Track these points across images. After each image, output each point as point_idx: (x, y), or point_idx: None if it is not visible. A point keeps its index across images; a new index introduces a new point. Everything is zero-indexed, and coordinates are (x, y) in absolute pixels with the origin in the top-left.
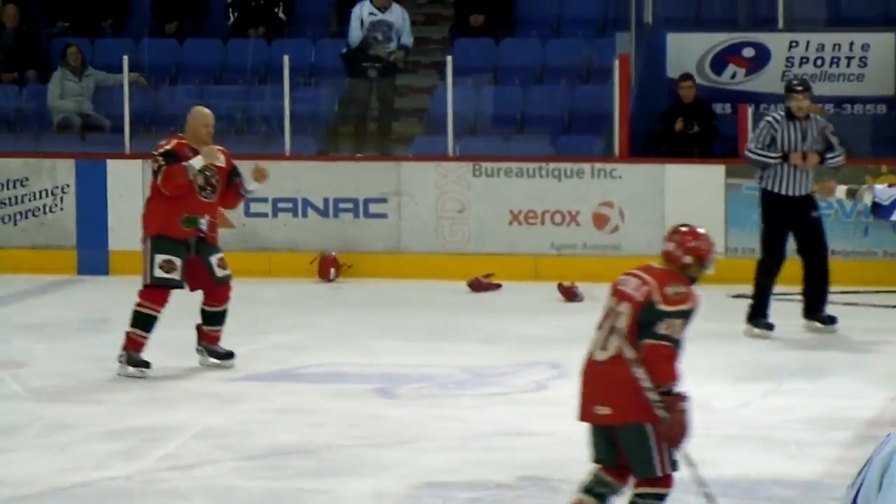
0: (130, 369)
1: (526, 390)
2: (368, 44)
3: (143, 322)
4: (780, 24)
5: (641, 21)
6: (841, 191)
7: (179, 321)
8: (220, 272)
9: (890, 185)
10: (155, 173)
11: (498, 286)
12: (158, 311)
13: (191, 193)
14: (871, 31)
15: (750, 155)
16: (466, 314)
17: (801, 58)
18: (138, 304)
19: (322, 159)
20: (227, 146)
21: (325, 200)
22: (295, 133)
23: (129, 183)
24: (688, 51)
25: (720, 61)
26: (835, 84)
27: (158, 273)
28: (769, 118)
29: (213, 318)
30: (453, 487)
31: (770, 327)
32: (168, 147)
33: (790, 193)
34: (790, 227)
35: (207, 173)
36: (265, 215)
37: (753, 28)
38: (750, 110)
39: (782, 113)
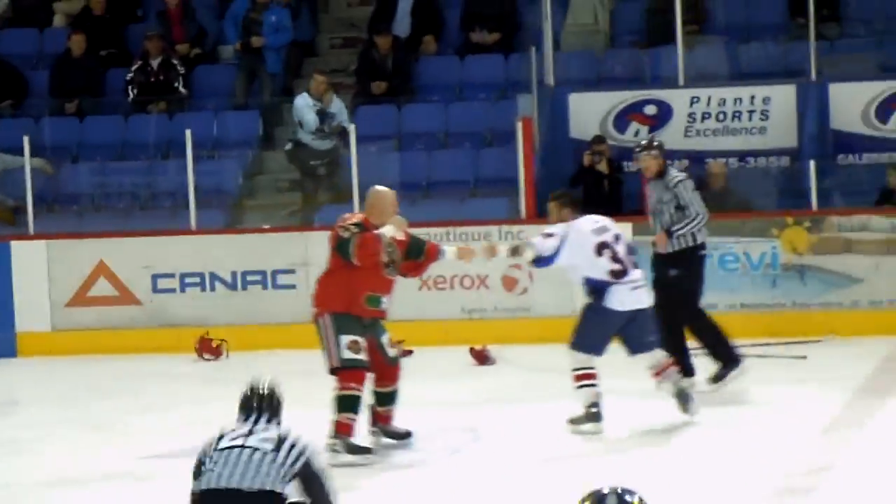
0: (350, 457)
1: (441, 456)
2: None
3: (350, 405)
4: (681, 80)
5: (543, 83)
6: (504, 249)
7: None
8: (391, 352)
9: (547, 236)
10: (340, 246)
11: (410, 352)
12: (361, 391)
13: (376, 269)
14: (771, 83)
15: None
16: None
17: (703, 113)
18: (339, 388)
19: (228, 232)
20: (132, 223)
21: (233, 273)
22: (200, 207)
23: (33, 264)
24: (590, 110)
25: (623, 120)
26: (738, 138)
27: (347, 354)
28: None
29: (387, 399)
30: None
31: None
32: (355, 220)
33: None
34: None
35: (389, 249)
36: (173, 291)
37: (655, 85)
38: None
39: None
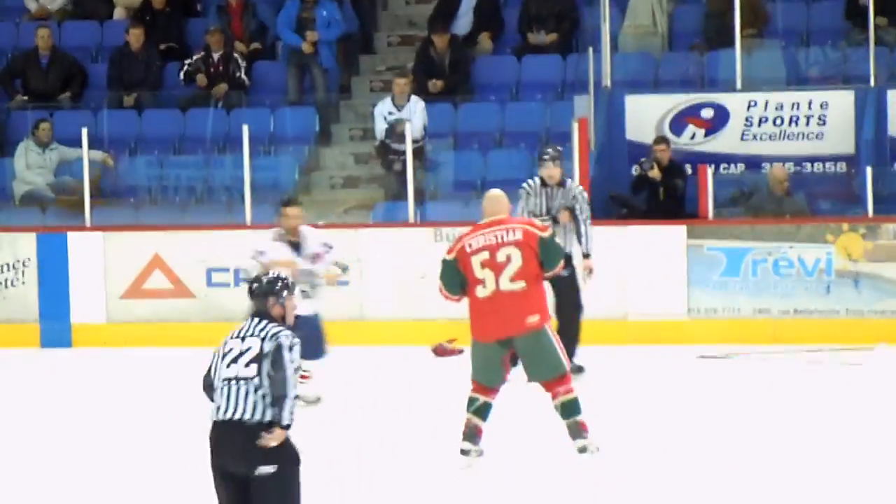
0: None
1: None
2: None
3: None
4: (739, 84)
5: (600, 84)
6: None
7: None
8: None
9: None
10: (554, 255)
11: (461, 351)
12: None
13: None
14: (829, 89)
15: None
16: (431, 379)
17: (760, 117)
18: (570, 392)
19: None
20: (189, 216)
21: None
22: (256, 202)
23: (89, 255)
24: (647, 113)
25: (679, 122)
26: (794, 143)
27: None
28: (524, 184)
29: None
30: None
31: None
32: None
33: None
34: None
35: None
36: (227, 285)
37: (712, 89)
38: (710, 171)
39: (538, 179)
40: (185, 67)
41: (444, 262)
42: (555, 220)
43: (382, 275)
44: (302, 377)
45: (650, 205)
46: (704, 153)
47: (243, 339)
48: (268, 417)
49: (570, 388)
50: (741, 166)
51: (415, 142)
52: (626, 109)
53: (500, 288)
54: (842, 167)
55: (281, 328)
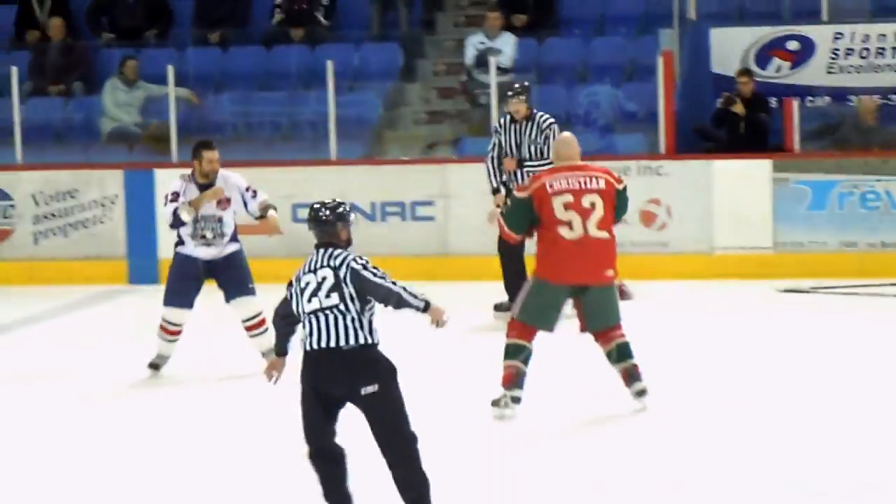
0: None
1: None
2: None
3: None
4: (825, 16)
5: (685, 17)
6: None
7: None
8: None
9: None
10: (624, 202)
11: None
12: None
13: None
14: None
15: (486, 164)
16: None
17: (847, 49)
18: (625, 336)
19: (368, 163)
20: (274, 153)
21: (372, 204)
22: (341, 138)
23: None
24: (732, 46)
25: (764, 55)
26: (881, 75)
27: None
28: (496, 123)
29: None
30: None
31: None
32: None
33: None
34: None
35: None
36: None
37: (797, 21)
38: (796, 104)
39: (507, 116)
40: (273, 7)
41: (516, 199)
42: (520, 163)
43: (467, 210)
44: (252, 327)
45: (731, 139)
46: (790, 86)
47: (315, 271)
48: (361, 340)
49: (623, 333)
50: (827, 99)
51: (503, 71)
52: (710, 42)
53: (588, 233)
54: None
55: (345, 253)
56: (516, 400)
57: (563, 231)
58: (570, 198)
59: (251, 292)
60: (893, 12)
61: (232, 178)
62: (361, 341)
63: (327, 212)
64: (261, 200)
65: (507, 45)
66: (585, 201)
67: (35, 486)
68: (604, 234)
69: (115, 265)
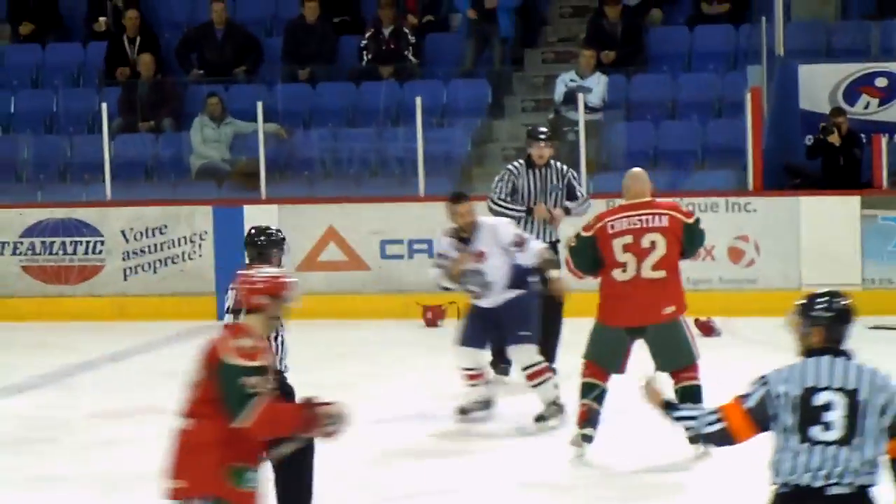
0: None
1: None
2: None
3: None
4: None
5: (773, 53)
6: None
7: None
8: None
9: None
10: (699, 237)
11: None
12: None
13: None
14: None
15: (493, 206)
16: None
17: None
18: (697, 379)
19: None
20: (362, 188)
21: None
22: (429, 174)
23: None
24: (820, 82)
25: (853, 92)
26: None
27: None
28: (509, 166)
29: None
30: None
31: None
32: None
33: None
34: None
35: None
36: (401, 257)
37: (885, 57)
38: (884, 140)
39: (522, 161)
40: (361, 48)
41: (581, 237)
42: (528, 211)
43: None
44: (532, 376)
45: (826, 171)
46: (878, 122)
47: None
48: None
49: (695, 376)
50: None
51: (591, 110)
52: (799, 78)
53: (641, 275)
54: None
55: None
56: (588, 438)
57: (617, 273)
58: (629, 238)
59: (524, 340)
60: None
61: (497, 232)
62: None
63: (262, 238)
64: (536, 252)
65: (597, 84)
66: (645, 241)
67: None
68: (659, 274)
69: (204, 301)
